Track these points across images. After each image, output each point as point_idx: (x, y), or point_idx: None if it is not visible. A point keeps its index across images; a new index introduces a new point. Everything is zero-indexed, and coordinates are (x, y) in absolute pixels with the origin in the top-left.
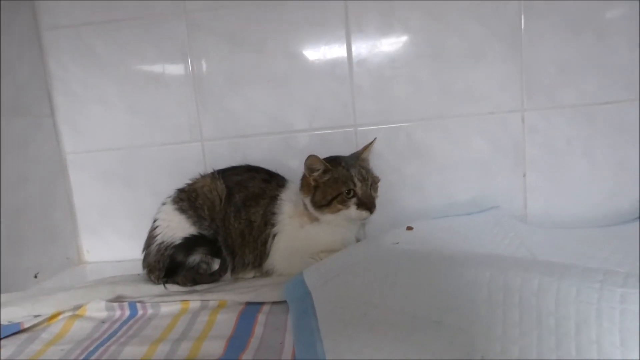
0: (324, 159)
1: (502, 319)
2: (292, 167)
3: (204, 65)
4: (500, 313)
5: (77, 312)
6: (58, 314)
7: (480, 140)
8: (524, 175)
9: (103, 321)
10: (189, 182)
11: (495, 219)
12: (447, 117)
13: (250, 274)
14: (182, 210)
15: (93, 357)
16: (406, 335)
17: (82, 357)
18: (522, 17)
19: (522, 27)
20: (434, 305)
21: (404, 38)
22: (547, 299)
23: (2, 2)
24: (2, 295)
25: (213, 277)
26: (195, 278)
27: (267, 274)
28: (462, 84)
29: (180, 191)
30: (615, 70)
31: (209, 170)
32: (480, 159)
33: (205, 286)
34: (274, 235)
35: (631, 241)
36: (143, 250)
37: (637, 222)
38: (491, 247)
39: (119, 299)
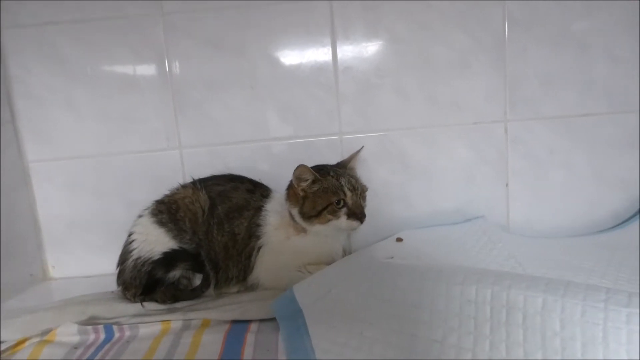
0: (312, 168)
1: (505, 339)
2: (275, 176)
3: (182, 69)
4: (503, 332)
5: (45, 338)
6: (24, 340)
7: (465, 149)
8: (507, 185)
9: (76, 347)
10: (168, 193)
11: (482, 229)
12: (432, 126)
13: (234, 289)
14: (161, 223)
15: None
16: (407, 355)
17: None
18: (506, 29)
19: (506, 39)
20: (435, 324)
21: (390, 46)
22: (552, 318)
23: None
24: None
25: (195, 293)
26: (175, 294)
27: (251, 288)
28: (447, 94)
29: (159, 203)
30: (594, 83)
31: (188, 180)
32: (465, 168)
33: (186, 303)
34: (259, 248)
35: (611, 250)
36: (117, 266)
37: (614, 231)
38: (481, 258)
39: (92, 321)
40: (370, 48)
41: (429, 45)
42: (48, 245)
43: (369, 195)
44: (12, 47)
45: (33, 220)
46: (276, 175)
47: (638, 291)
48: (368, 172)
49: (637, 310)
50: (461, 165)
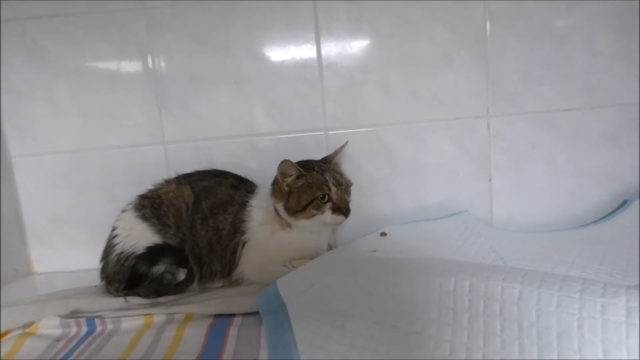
0: (297, 163)
1: (483, 329)
2: (260, 172)
3: (166, 65)
4: (481, 323)
5: (27, 330)
6: (6, 332)
7: (448, 145)
8: (490, 180)
9: (57, 339)
10: (152, 187)
11: (465, 223)
12: (416, 122)
13: (219, 284)
14: (144, 217)
15: None
16: (387, 347)
17: None
18: (488, 25)
19: (488, 35)
20: (414, 315)
21: (373, 42)
22: (528, 309)
23: None
24: None
25: (179, 288)
26: (159, 289)
27: (236, 283)
28: (431, 89)
29: (143, 197)
30: (575, 78)
31: (172, 175)
32: (448, 163)
33: (170, 298)
34: (244, 243)
35: (592, 244)
36: (101, 261)
37: (596, 225)
38: (463, 252)
39: (74, 315)
40: (354, 44)
41: (412, 40)
42: (31, 240)
43: (354, 190)
44: None
45: (16, 215)
46: (261, 170)
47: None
48: (353, 168)
49: (612, 300)
50: (445, 160)
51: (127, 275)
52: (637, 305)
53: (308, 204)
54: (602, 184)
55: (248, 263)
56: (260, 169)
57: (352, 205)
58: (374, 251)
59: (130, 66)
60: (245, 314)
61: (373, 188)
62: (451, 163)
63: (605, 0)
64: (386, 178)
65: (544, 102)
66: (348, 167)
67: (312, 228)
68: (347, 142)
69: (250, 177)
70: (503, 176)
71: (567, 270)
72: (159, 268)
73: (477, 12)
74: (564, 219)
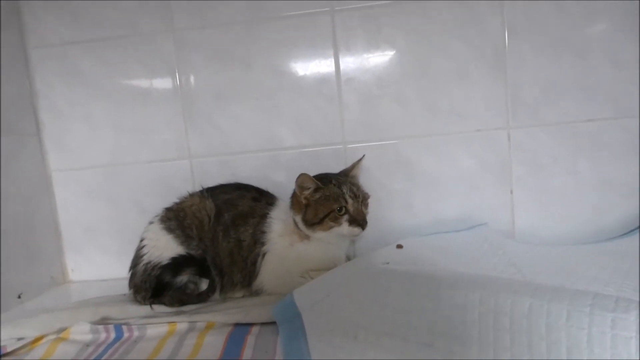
0: (315, 177)
1: (493, 343)
2: (281, 184)
3: (192, 82)
4: (491, 336)
5: (60, 335)
6: (41, 337)
7: (467, 157)
8: (511, 192)
9: (88, 344)
10: (177, 201)
11: (484, 236)
12: (434, 135)
13: (239, 294)
14: (169, 229)
15: None
16: (398, 358)
17: None
18: (506, 37)
19: (506, 48)
20: (425, 327)
21: (390, 57)
22: (538, 323)
23: None
24: None
25: (201, 298)
26: (182, 299)
27: (256, 293)
28: (448, 102)
29: (168, 210)
30: (597, 89)
31: (197, 188)
32: (468, 176)
33: (192, 307)
34: (264, 254)
35: (617, 258)
36: (130, 270)
37: (622, 239)
38: (481, 265)
39: (104, 321)
40: (372, 59)
41: (428, 55)
42: (67, 250)
43: (372, 202)
44: (38, 65)
45: (54, 225)
46: (283, 183)
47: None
48: (371, 181)
49: (622, 315)
50: (464, 173)
51: (152, 285)
52: None
53: (325, 216)
54: (627, 196)
55: (267, 274)
56: (282, 182)
57: (371, 218)
58: (387, 263)
59: (160, 84)
60: (263, 324)
61: (391, 201)
62: (471, 175)
63: (628, 5)
64: (404, 191)
65: (566, 113)
66: (366, 180)
67: (330, 240)
68: (364, 155)
69: (271, 190)
70: (525, 188)
71: (589, 285)
72: (182, 278)
73: (494, 25)
74: (588, 232)
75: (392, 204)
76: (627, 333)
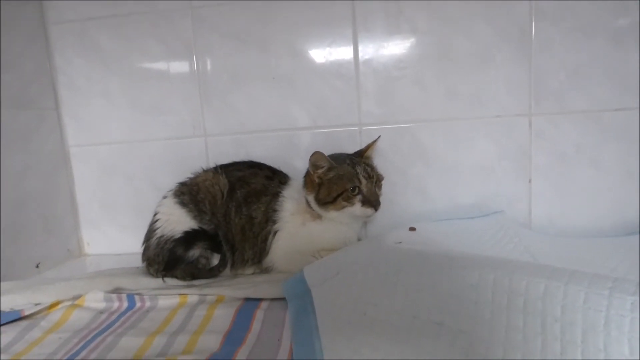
0: (329, 156)
1: (505, 323)
2: (295, 165)
3: (209, 62)
4: (504, 317)
5: (76, 302)
6: (57, 303)
7: (486, 143)
8: (530, 181)
9: (101, 312)
10: (191, 176)
11: (499, 223)
12: (452, 119)
13: (250, 270)
14: (182, 204)
15: (90, 347)
16: (406, 335)
17: (79, 346)
18: (533, 20)
19: (533, 30)
20: (436, 306)
21: (410, 39)
22: (553, 304)
23: None
24: (3, 283)
25: (212, 272)
26: (193, 273)
27: (266, 270)
28: (469, 86)
29: (182, 185)
30: (628, 76)
31: (212, 166)
32: (485, 162)
33: (203, 281)
34: (275, 233)
35: (637, 253)
36: (143, 244)
37: None
38: (494, 252)
39: (117, 291)
40: (391, 40)
41: (450, 37)
42: (84, 224)
43: (386, 186)
44: (57, 42)
45: (71, 200)
46: (296, 163)
47: None
48: (386, 164)
49: None
50: (482, 159)
51: (165, 258)
52: None
53: (338, 196)
54: None
55: (278, 252)
56: (295, 162)
57: (385, 201)
58: (400, 243)
59: (177, 62)
60: (273, 299)
61: (406, 185)
62: (489, 162)
63: None
64: (420, 175)
65: (593, 100)
66: (381, 163)
67: (342, 220)
68: (379, 136)
69: (285, 169)
70: (544, 177)
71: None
72: (194, 252)
73: (521, 6)
74: (610, 226)
75: (407, 188)
76: None
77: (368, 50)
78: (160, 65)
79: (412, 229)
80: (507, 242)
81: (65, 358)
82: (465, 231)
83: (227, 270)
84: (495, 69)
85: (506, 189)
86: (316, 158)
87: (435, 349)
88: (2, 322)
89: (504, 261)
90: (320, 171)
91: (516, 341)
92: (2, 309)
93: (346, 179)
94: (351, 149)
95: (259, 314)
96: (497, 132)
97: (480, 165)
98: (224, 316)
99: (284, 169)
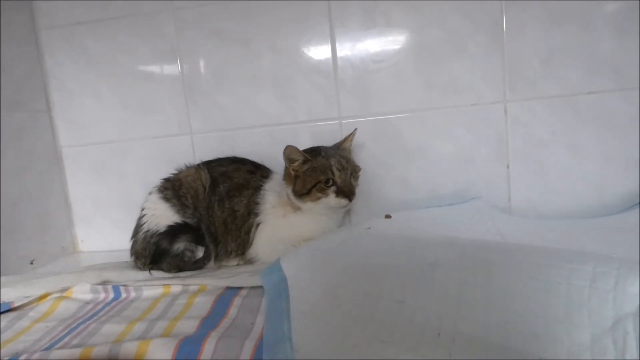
0: (306, 150)
1: (457, 297)
2: (278, 159)
3: (193, 61)
4: (455, 291)
5: (64, 294)
6: (46, 295)
7: (464, 131)
8: (508, 167)
9: (88, 302)
10: (175, 172)
11: (475, 208)
12: (430, 109)
13: (234, 262)
14: (166, 198)
15: (73, 333)
16: (370, 314)
17: (63, 333)
18: (503, 9)
19: (504, 19)
20: (398, 285)
21: (386, 32)
22: (499, 276)
23: (1, 3)
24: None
25: (197, 265)
26: (179, 265)
27: (250, 262)
28: (445, 77)
29: (166, 180)
30: (600, 60)
31: (197, 163)
32: (464, 150)
33: (189, 273)
34: (258, 225)
35: (618, 233)
36: (131, 238)
37: (623, 214)
38: (468, 235)
39: (105, 283)
40: (367, 34)
41: (425, 29)
42: (77, 222)
43: (366, 178)
44: (48, 46)
45: (65, 199)
46: (279, 157)
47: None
48: (366, 156)
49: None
50: (460, 147)
51: (152, 252)
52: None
53: (312, 187)
54: (629, 170)
55: (261, 243)
56: (279, 157)
57: (366, 193)
58: (369, 228)
59: (162, 63)
60: (252, 288)
61: (387, 176)
62: (467, 150)
63: None
64: (400, 166)
65: (566, 85)
66: (362, 155)
67: (320, 211)
68: (356, 128)
69: (268, 164)
70: (522, 163)
71: None
72: (179, 245)
73: None
74: (589, 207)
75: (388, 179)
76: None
77: (345, 45)
78: (147, 66)
79: (388, 216)
80: (481, 226)
81: (49, 344)
82: (442, 218)
83: (212, 263)
84: (470, 58)
85: (485, 176)
86: (290, 151)
87: (396, 325)
88: None
89: (463, 239)
90: (295, 164)
91: (468, 313)
92: None
93: (319, 171)
94: (332, 142)
95: (237, 301)
96: (474, 120)
97: (459, 153)
98: (203, 303)
99: (269, 164)
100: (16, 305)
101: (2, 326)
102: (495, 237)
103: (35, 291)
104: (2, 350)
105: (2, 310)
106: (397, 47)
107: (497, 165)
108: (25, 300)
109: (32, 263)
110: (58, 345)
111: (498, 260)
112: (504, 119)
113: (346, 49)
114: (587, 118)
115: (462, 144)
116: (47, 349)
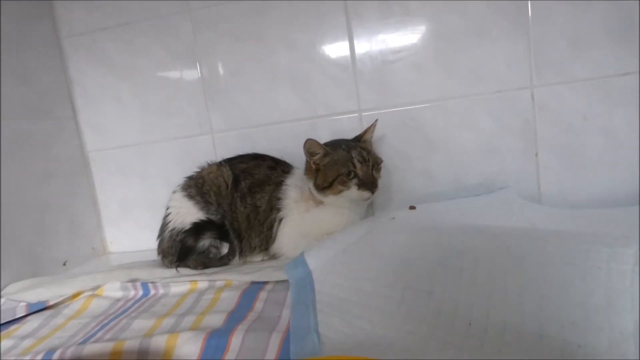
0: (326, 143)
1: (488, 286)
2: (299, 154)
3: (210, 61)
4: (485, 279)
5: (95, 292)
6: (79, 293)
7: (488, 120)
8: (536, 155)
9: (118, 300)
10: (197, 170)
11: (502, 199)
12: (451, 98)
13: (258, 258)
14: (190, 196)
15: (105, 328)
16: (397, 305)
17: (96, 329)
18: None
19: (529, 1)
20: (425, 275)
21: (404, 21)
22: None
23: (24, 14)
24: (32, 279)
25: (222, 261)
26: (205, 262)
27: (274, 257)
28: (467, 64)
29: (189, 178)
30: (634, 40)
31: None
32: (489, 139)
33: (214, 269)
34: (280, 220)
35: None
36: (157, 237)
37: None
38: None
39: (133, 281)
40: (385, 24)
41: (444, 16)
42: (106, 224)
43: (389, 170)
44: (70, 54)
45: (93, 202)
46: (299, 153)
47: None
48: (387, 148)
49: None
50: (485, 136)
51: (178, 249)
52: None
53: (334, 180)
54: None
55: (284, 238)
56: (299, 152)
57: (389, 185)
58: (393, 218)
59: (180, 64)
60: (277, 282)
61: (409, 168)
62: (492, 139)
63: None
64: (422, 157)
65: (597, 67)
66: (383, 147)
67: (342, 204)
68: (377, 120)
69: (289, 159)
70: (551, 150)
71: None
72: (204, 242)
73: None
74: (625, 195)
75: (411, 171)
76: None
77: (362, 37)
78: (165, 68)
79: (412, 207)
80: (510, 216)
81: (83, 339)
82: (468, 208)
83: (237, 259)
84: (493, 44)
85: (512, 165)
86: (310, 145)
87: (424, 316)
88: (29, 312)
89: (490, 227)
90: (316, 157)
91: (497, 302)
92: (30, 301)
93: (341, 163)
94: (353, 135)
95: (263, 295)
96: (499, 107)
97: (484, 143)
98: (229, 298)
99: (289, 159)
100: (51, 303)
101: (38, 323)
102: (525, 226)
103: (68, 290)
104: (39, 346)
105: (38, 308)
106: (416, 36)
107: (524, 154)
108: (59, 299)
109: (64, 264)
110: (91, 340)
111: (531, 247)
112: (531, 105)
113: (364, 41)
114: (621, 101)
115: (487, 133)
116: (82, 343)
